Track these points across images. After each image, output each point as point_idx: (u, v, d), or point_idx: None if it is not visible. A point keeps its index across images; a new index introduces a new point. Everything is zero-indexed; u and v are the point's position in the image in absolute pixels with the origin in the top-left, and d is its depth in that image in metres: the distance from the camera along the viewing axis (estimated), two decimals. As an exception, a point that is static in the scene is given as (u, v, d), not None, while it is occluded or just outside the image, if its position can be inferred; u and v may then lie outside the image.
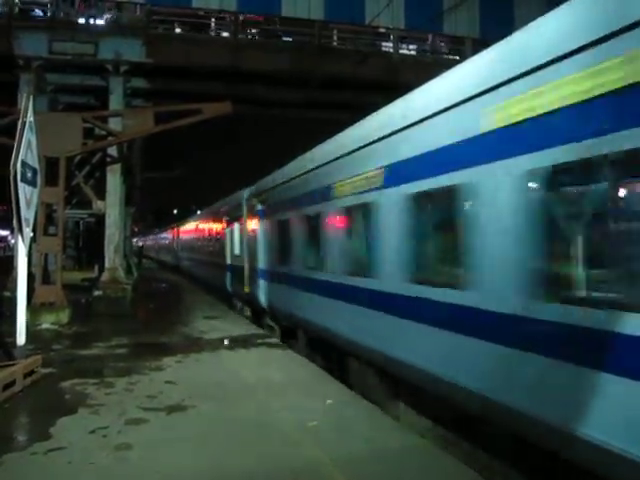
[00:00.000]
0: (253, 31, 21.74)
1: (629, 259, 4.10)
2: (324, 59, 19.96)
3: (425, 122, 6.40)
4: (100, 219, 18.13)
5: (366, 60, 20.30)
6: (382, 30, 21.99)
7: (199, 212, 35.27)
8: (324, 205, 9.66)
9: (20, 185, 8.34)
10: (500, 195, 5.13)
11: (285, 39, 21.53)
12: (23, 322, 8.67)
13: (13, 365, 8.19)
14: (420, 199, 6.51)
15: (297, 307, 11.25)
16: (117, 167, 18.21)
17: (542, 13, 4.80)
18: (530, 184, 4.79)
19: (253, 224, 15.16)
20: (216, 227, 21.71)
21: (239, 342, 11.84)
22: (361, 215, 8.29)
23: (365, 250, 8.22)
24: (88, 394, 7.86)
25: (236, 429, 6.34)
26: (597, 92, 4.15)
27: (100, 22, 19.53)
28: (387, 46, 22.13)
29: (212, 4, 20.53)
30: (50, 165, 14.67)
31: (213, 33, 20.94)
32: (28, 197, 8.80)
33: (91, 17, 19.53)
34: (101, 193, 18.18)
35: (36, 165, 9.24)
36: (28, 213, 8.87)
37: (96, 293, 16.98)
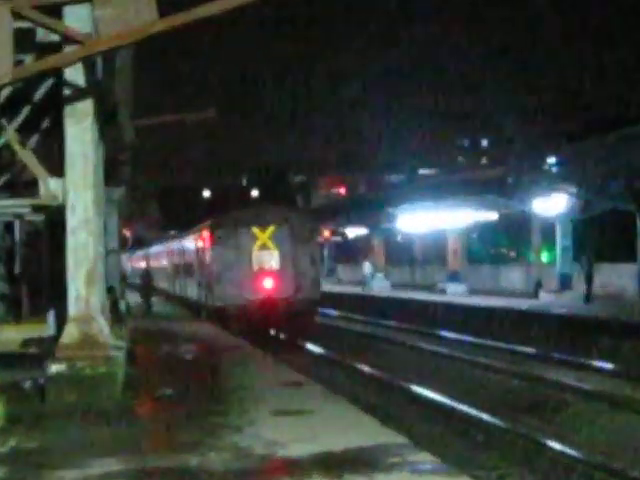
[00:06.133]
0: None
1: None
2: None
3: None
4: (55, 216, 9.04)
5: None
6: None
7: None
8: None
9: None
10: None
11: None
12: None
13: None
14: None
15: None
16: (85, 109, 9.14)
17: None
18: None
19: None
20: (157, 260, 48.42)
21: (353, 466, 5.75)
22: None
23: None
24: None
25: None
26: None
27: None
28: None
29: None
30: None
31: None
32: None
33: None
34: (55, 163, 9.16)
35: None
36: None
37: (53, 369, 8.38)
